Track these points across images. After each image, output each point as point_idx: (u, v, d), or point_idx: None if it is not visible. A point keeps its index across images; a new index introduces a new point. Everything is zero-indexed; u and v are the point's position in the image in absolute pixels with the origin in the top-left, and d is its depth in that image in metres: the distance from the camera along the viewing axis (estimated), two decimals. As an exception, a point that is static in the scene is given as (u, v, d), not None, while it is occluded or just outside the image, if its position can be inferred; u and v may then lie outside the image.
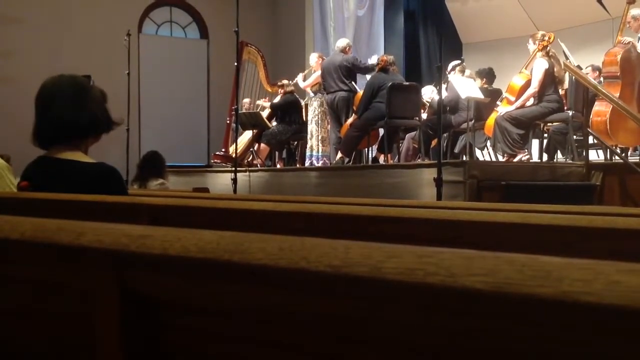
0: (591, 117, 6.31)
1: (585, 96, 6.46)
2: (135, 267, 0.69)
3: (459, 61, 7.87)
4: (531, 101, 6.73)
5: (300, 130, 8.55)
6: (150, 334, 0.71)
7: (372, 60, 8.20)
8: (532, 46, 6.99)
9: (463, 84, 7.11)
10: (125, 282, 0.70)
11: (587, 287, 0.41)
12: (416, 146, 7.97)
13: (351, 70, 7.77)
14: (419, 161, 7.18)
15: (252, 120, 8.65)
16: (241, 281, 0.60)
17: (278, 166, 8.79)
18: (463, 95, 6.94)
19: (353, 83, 7.81)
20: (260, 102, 9.63)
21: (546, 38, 6.80)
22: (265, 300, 0.59)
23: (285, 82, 8.78)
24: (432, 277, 0.47)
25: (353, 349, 0.55)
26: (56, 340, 0.84)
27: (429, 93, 8.33)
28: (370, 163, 8.04)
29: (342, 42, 8.09)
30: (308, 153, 8.13)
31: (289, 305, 0.57)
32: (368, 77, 7.76)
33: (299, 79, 8.60)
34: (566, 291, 0.41)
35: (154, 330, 0.71)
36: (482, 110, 7.28)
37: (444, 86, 6.71)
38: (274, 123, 8.80)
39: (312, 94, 8.30)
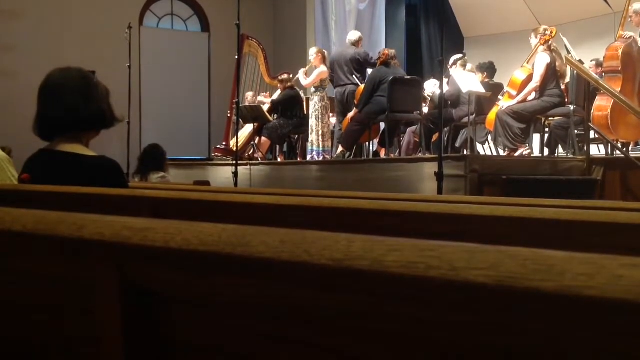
0: (592, 111, 6.31)
1: (586, 90, 6.45)
2: (137, 260, 0.69)
3: (460, 55, 7.86)
4: (533, 95, 6.72)
5: (301, 124, 8.53)
6: (152, 326, 0.71)
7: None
8: (534, 40, 6.98)
9: (464, 78, 7.10)
10: (126, 275, 0.70)
11: (589, 281, 0.41)
12: (417, 140, 7.97)
13: (362, 64, 7.75)
14: (420, 155, 7.18)
15: (253, 114, 8.63)
16: (243, 274, 0.60)
17: (279, 160, 8.78)
18: (464, 90, 6.93)
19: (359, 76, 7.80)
20: (261, 97, 9.60)
21: (548, 32, 6.79)
22: (266, 293, 0.59)
23: (285, 77, 8.74)
24: (434, 271, 0.47)
25: (354, 343, 0.55)
26: (57, 333, 0.84)
27: (431, 87, 8.32)
28: (371, 157, 8.04)
29: (354, 35, 8.02)
30: (309, 148, 8.11)
31: (291, 298, 0.57)
32: (369, 71, 7.74)
33: (301, 75, 8.51)
34: (569, 285, 0.41)
35: (155, 322, 0.71)
36: (483, 104, 7.28)
37: (445, 80, 6.70)
38: (275, 117, 8.77)
39: (313, 89, 8.27)
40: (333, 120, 8.35)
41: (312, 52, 8.43)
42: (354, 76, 7.70)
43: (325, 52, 8.48)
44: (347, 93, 7.69)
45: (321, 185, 6.61)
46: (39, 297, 0.86)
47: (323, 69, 8.02)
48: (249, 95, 9.65)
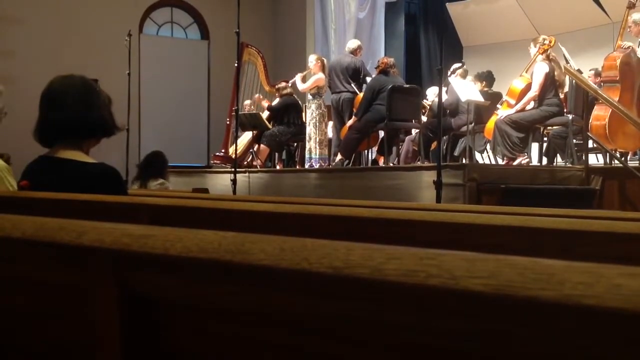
0: (591, 121, 6.31)
1: (585, 100, 6.46)
2: (136, 267, 0.69)
3: (460, 64, 7.88)
4: (531, 105, 6.74)
5: (299, 131, 8.53)
6: (150, 334, 0.71)
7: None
8: (533, 50, 6.99)
9: (463, 86, 7.12)
10: (125, 282, 0.70)
11: (588, 290, 0.41)
12: (416, 149, 7.97)
13: (357, 73, 7.77)
14: (419, 164, 7.18)
15: (252, 121, 8.64)
16: (242, 282, 0.60)
17: (278, 167, 8.78)
18: (463, 98, 6.94)
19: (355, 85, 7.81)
20: (263, 102, 9.61)
21: (547, 42, 6.80)
22: (266, 301, 0.59)
23: (282, 84, 8.74)
24: (433, 279, 0.47)
25: (354, 350, 0.55)
26: (56, 339, 0.84)
27: (433, 94, 8.33)
28: (370, 165, 8.04)
29: (353, 44, 8.04)
30: (307, 155, 8.11)
31: (290, 306, 0.57)
32: (368, 79, 7.76)
33: (297, 79, 8.50)
34: (568, 294, 0.41)
35: (154, 330, 0.71)
36: (482, 113, 7.29)
37: (444, 89, 6.71)
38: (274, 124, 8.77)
39: (310, 97, 8.27)
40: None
41: (312, 59, 8.42)
42: (351, 85, 7.72)
43: (325, 60, 8.49)
44: (342, 100, 7.71)
45: (320, 193, 6.61)
46: (39, 303, 0.86)
47: (320, 76, 8.02)
48: (247, 103, 9.65)
